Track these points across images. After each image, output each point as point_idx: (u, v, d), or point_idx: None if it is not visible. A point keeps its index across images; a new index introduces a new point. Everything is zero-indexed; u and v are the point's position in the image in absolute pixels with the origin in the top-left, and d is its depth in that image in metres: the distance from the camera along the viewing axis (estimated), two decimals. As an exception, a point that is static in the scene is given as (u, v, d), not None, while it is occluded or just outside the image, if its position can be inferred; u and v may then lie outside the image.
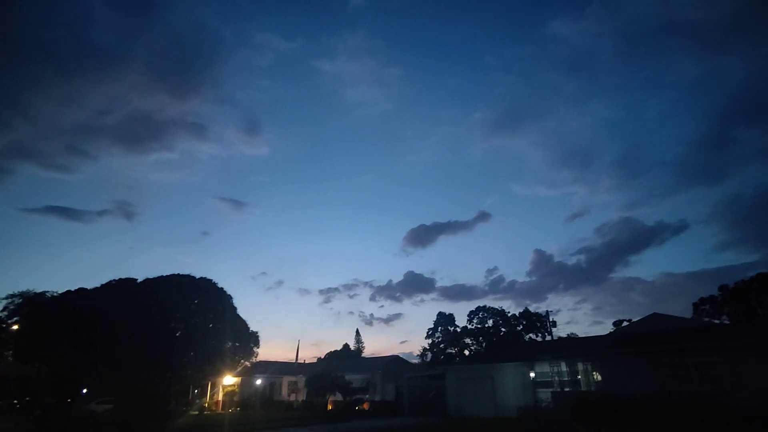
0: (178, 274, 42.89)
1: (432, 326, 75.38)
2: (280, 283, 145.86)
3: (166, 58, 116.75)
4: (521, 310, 72.82)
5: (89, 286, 41.05)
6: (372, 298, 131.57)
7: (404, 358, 63.78)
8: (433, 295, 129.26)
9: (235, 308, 44.58)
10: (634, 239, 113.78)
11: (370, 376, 48.45)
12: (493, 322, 72.23)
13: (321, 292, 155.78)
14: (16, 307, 46.60)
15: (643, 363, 24.40)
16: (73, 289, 40.84)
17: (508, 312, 72.40)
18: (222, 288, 44.11)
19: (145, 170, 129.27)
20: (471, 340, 71.89)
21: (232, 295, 44.87)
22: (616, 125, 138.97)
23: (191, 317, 41.03)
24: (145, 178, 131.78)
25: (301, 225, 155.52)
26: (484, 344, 69.50)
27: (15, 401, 49.27)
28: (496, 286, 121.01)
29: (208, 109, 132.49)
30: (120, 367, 35.52)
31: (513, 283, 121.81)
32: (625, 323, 61.60)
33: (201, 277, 43.50)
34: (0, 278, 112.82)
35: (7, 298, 47.56)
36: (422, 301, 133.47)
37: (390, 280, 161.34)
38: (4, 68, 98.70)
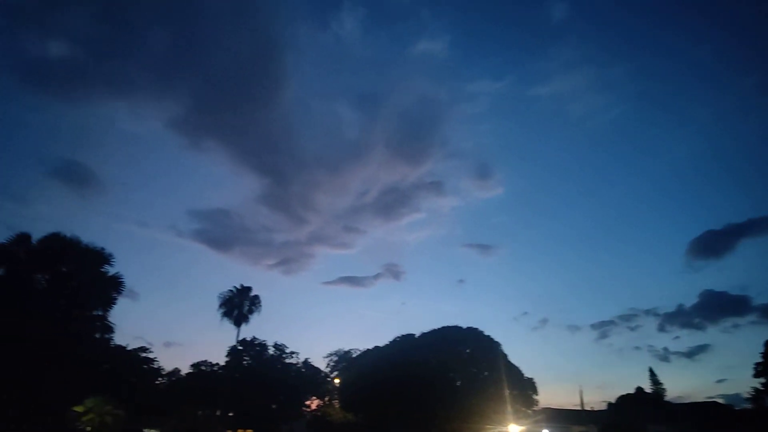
0: (447, 326, 46.13)
1: (762, 359, 57.34)
2: (544, 321, 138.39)
3: (398, 135, 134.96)
4: None
5: (372, 340, 48.32)
6: (661, 329, 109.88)
7: (725, 402, 50.08)
8: (751, 317, 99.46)
9: (505, 355, 44.59)
10: None
11: (688, 427, 39.73)
12: None
13: (593, 326, 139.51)
14: (335, 363, 58.44)
15: None
16: (370, 347, 48.74)
17: None
18: (489, 336, 45.05)
19: (401, 233, 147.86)
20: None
21: (499, 341, 45.21)
22: None
23: (467, 367, 42.89)
24: (402, 240, 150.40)
25: (554, 257, 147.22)
26: None
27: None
28: None
29: (441, 167, 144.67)
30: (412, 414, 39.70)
31: None
32: None
33: (468, 327, 45.58)
34: (316, 340, 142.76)
35: (327, 356, 60.45)
36: (736, 326, 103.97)
37: (680, 305, 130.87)
38: (296, 178, 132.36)
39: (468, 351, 44.17)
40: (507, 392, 43.58)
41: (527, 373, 45.81)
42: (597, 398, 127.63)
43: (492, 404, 41.84)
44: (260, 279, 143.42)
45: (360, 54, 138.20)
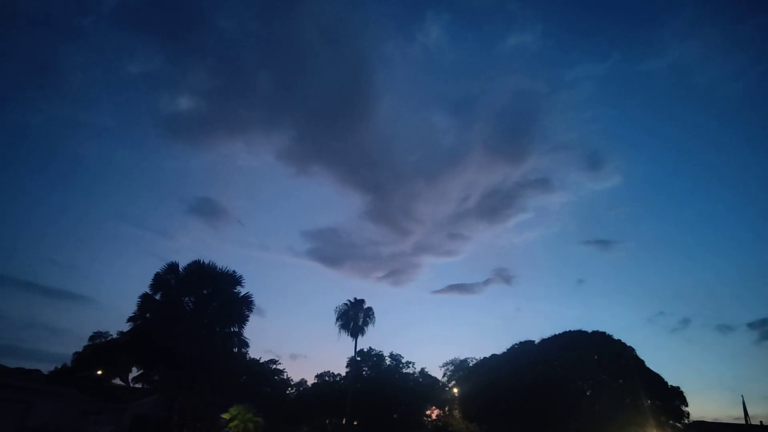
0: (569, 330, 43.07)
1: None
2: (686, 322, 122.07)
3: (496, 135, 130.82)
4: None
5: (487, 348, 46.74)
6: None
7: None
8: None
9: (641, 361, 40.15)
10: None
11: None
12: None
13: (751, 326, 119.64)
14: (451, 372, 57.89)
15: None
16: (486, 356, 47.40)
17: None
18: (620, 340, 41.06)
19: (508, 236, 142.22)
20: None
21: (631, 345, 40.90)
22: None
23: (596, 374, 39.50)
24: (510, 243, 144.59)
25: (689, 249, 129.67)
26: None
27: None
28: None
29: (546, 162, 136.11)
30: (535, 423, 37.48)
31: None
32: None
33: (594, 331, 42.08)
34: (429, 350, 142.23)
35: (443, 366, 60.16)
36: None
37: None
38: (396, 191, 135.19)
39: (596, 357, 40.65)
40: (647, 402, 39.15)
41: (670, 381, 40.71)
42: (763, 410, 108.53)
43: (629, 416, 37.84)
44: (371, 291, 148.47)
45: (449, 60, 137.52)
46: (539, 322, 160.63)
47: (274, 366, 63.28)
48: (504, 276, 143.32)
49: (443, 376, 60.04)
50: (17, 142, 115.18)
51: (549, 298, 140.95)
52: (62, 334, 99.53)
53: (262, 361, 60.50)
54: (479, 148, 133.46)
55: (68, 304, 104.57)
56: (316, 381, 65.17)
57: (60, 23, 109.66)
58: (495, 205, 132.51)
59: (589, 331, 42.22)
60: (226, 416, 38.70)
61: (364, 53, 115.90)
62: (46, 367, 48.04)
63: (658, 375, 40.01)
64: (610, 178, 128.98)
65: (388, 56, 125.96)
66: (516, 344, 45.32)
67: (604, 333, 41.68)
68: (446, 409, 57.72)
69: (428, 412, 60.15)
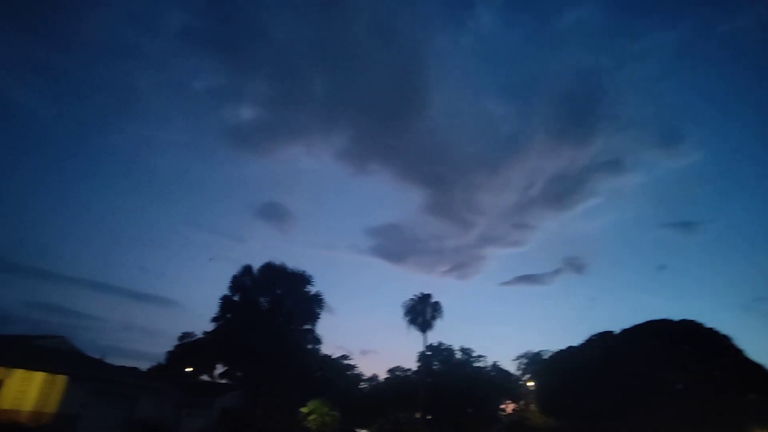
0: (653, 320, 40.17)
1: None
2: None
3: (559, 118, 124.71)
4: None
5: (562, 340, 44.76)
6: None
7: None
8: None
9: (739, 351, 36.56)
10: None
11: None
12: None
13: None
14: (525, 366, 56.29)
15: None
16: (562, 348, 45.56)
17: None
18: (712, 328, 37.64)
19: (578, 223, 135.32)
20: None
21: (726, 334, 37.33)
22: None
23: (688, 367, 36.54)
24: (580, 230, 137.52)
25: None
26: None
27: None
28: None
29: (615, 142, 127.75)
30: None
31: None
32: None
33: (681, 320, 38.94)
34: (500, 343, 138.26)
35: (516, 359, 58.65)
36: None
37: None
38: (456, 183, 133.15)
39: (686, 347, 37.54)
40: (749, 396, 35.59)
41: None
42: None
43: (729, 412, 34.52)
44: (437, 286, 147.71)
45: (503, 44, 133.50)
46: (616, 312, 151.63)
47: (346, 361, 65.09)
48: (575, 265, 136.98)
49: (517, 370, 58.56)
50: (105, 161, 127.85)
51: (626, 287, 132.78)
52: (155, 334, 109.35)
53: (334, 357, 62.43)
54: (541, 133, 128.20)
55: (158, 308, 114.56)
56: (388, 376, 66.19)
57: (133, 51, 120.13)
58: (562, 192, 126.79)
59: (676, 320, 39.13)
60: (304, 410, 40.38)
61: (416, 48, 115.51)
62: (143, 365, 52.98)
63: (760, 366, 36.23)
64: (690, 154, 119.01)
65: (440, 48, 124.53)
66: (594, 335, 43.06)
67: (693, 321, 38.44)
68: (522, 403, 56.21)
69: (503, 406, 58.91)
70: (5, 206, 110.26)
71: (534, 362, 55.07)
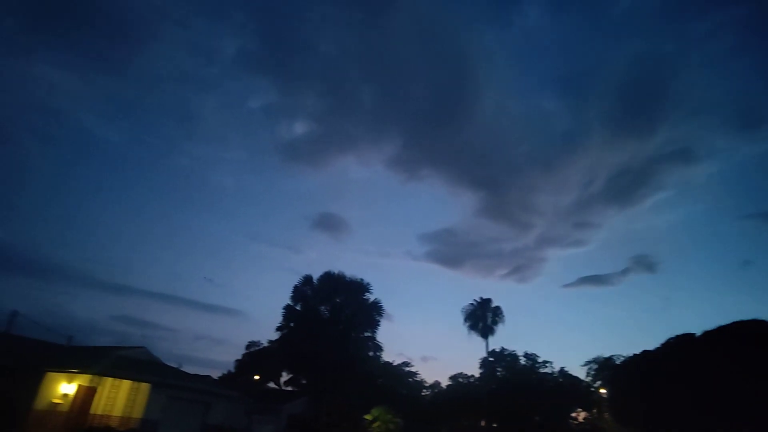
0: (741, 320, 36.53)
1: None
2: None
3: (618, 109, 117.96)
4: None
5: (634, 344, 41.88)
6: None
7: None
8: None
9: None
10: None
11: None
12: None
13: None
14: (595, 372, 53.38)
15: None
16: (636, 352, 42.72)
17: None
18: (813, 329, 33.72)
19: (646, 218, 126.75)
20: None
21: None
22: None
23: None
24: (649, 226, 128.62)
25: None
26: None
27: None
28: None
29: (683, 129, 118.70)
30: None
31: None
32: None
33: (774, 321, 35.21)
34: (566, 347, 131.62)
35: (585, 364, 55.74)
36: None
37: None
38: (511, 184, 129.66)
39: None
40: None
41: None
42: None
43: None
44: (496, 290, 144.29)
45: (552, 38, 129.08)
46: (694, 313, 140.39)
47: (407, 368, 64.81)
48: (645, 264, 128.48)
49: (587, 376, 55.50)
50: (173, 182, 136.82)
51: (705, 285, 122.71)
52: (224, 344, 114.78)
53: (395, 364, 62.41)
54: (598, 127, 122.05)
55: (225, 318, 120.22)
56: (450, 383, 65.24)
57: (193, 78, 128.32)
58: (626, 187, 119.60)
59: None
60: (368, 417, 40.68)
61: (462, 50, 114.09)
62: (214, 374, 55.73)
63: None
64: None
65: (486, 48, 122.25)
66: (671, 338, 39.86)
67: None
68: (594, 411, 53.25)
69: (574, 415, 56.13)
70: (89, 227, 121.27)
71: (605, 368, 52.00)
